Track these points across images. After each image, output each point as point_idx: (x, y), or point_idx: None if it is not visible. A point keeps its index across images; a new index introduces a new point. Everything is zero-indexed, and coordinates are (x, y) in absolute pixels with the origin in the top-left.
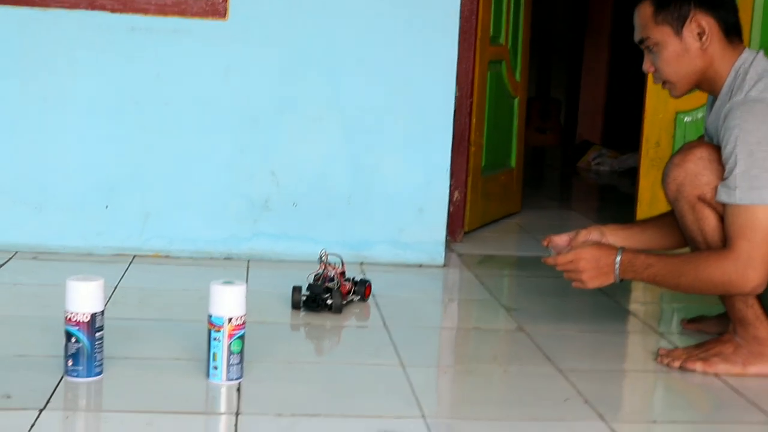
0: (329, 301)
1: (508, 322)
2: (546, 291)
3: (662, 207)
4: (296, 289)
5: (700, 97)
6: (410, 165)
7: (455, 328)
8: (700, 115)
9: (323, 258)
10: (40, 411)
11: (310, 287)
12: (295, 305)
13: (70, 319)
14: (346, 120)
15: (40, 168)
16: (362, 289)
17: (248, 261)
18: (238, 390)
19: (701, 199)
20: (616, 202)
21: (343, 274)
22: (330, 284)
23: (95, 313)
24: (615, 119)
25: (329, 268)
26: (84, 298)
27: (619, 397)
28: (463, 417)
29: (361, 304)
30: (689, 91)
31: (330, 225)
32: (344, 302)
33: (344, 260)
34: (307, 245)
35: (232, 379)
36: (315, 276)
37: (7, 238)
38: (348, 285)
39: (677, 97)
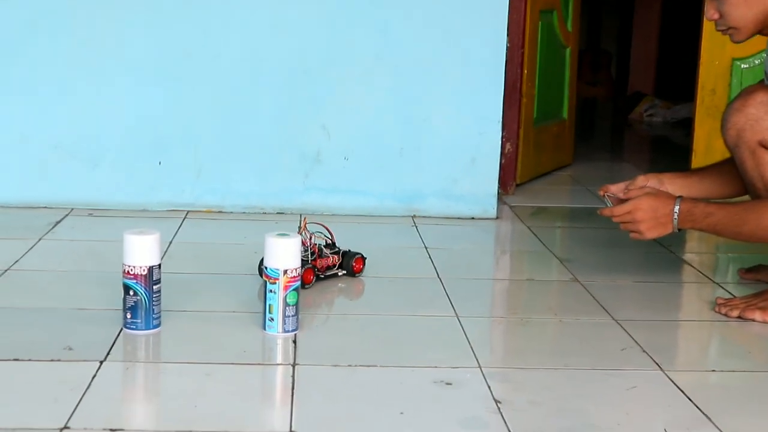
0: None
1: (562, 274)
2: (600, 242)
3: (718, 157)
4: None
5: (756, 43)
6: (461, 117)
7: (509, 280)
8: (757, 61)
9: (302, 227)
10: (101, 362)
11: None
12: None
13: (127, 272)
14: (397, 72)
15: (93, 125)
16: (350, 262)
17: (300, 215)
18: (294, 341)
19: (762, 144)
20: (669, 153)
21: (330, 245)
22: (304, 256)
23: (152, 266)
24: (667, 69)
25: (308, 238)
26: (141, 251)
27: (677, 346)
28: (519, 366)
29: (347, 280)
30: (752, 35)
31: (381, 178)
32: (322, 276)
33: (330, 230)
34: (359, 199)
35: (288, 331)
36: None
37: (62, 196)
38: (332, 258)
39: (739, 42)
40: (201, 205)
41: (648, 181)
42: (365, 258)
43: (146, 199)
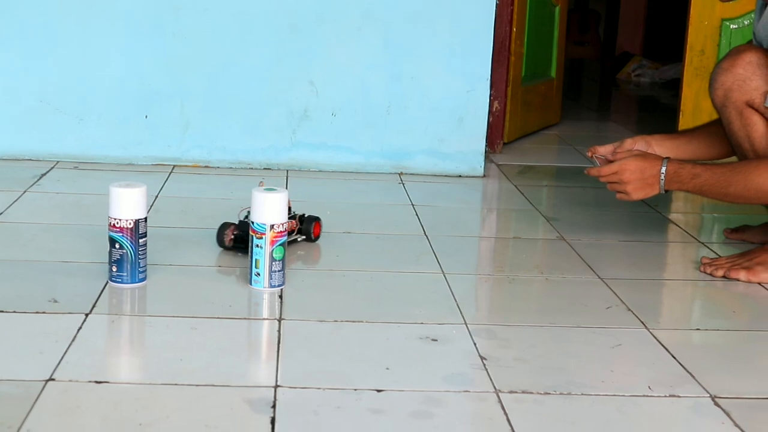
0: None
1: (548, 232)
2: (586, 201)
3: (705, 117)
4: (225, 226)
5: (746, 4)
6: (450, 74)
7: (495, 238)
8: (746, 22)
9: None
10: (86, 315)
11: (240, 225)
12: (222, 244)
13: (113, 225)
14: (385, 29)
15: (80, 79)
16: (309, 227)
17: (287, 171)
18: (280, 297)
19: (749, 104)
20: (656, 114)
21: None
22: None
23: (138, 220)
24: (655, 30)
25: None
26: (127, 204)
27: (661, 305)
28: (504, 323)
29: (307, 246)
30: None
31: (369, 135)
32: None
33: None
34: (346, 155)
35: (274, 286)
36: (248, 212)
37: (48, 148)
38: (292, 223)
39: (728, 1)
40: (187, 159)
41: (635, 144)
42: (321, 222)
43: (132, 153)
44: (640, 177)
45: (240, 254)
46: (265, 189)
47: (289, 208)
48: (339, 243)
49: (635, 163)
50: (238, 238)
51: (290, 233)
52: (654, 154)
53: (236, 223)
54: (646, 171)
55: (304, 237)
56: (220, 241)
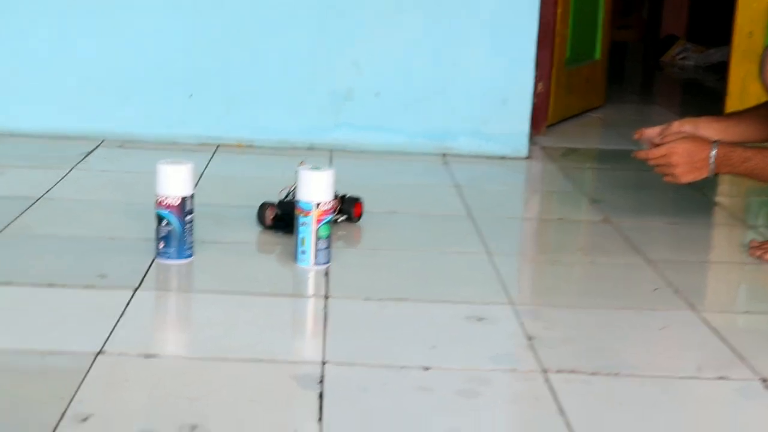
0: None
1: (592, 214)
2: (630, 184)
3: (752, 101)
4: (265, 207)
5: None
6: (494, 55)
7: (540, 219)
8: None
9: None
10: (134, 290)
11: (281, 204)
12: (263, 224)
13: (160, 202)
14: (430, 9)
15: (126, 58)
16: (350, 207)
17: (331, 151)
18: (326, 274)
19: None
20: (701, 97)
21: None
22: None
23: (185, 197)
24: (700, 13)
25: None
26: (175, 181)
27: (710, 288)
28: (551, 304)
29: (348, 226)
30: None
31: (412, 115)
32: None
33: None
34: (390, 136)
35: (319, 264)
36: (288, 192)
37: (94, 127)
38: (333, 203)
39: None
40: (231, 139)
41: (683, 126)
42: (363, 202)
43: (177, 131)
44: (689, 160)
45: (281, 234)
46: (311, 167)
47: None
48: (383, 223)
49: (684, 146)
50: (278, 218)
51: (332, 212)
52: (702, 137)
53: (276, 203)
54: (696, 154)
55: (345, 217)
56: (261, 220)
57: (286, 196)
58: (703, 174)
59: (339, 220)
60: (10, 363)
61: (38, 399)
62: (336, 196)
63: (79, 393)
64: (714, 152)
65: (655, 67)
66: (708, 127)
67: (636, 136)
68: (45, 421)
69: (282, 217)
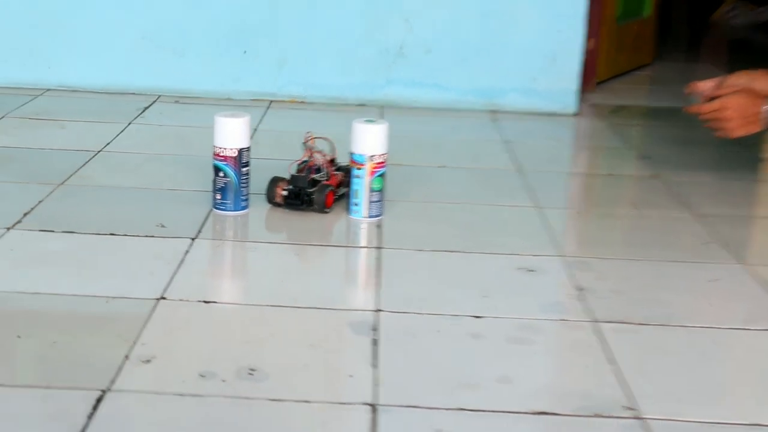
0: (315, 197)
1: (642, 169)
2: (680, 140)
3: None
4: (275, 182)
5: None
6: (544, 12)
7: (589, 174)
8: None
9: (308, 143)
10: (193, 240)
11: (293, 179)
12: (272, 200)
13: (218, 154)
14: None
15: (180, 14)
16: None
17: (382, 107)
18: (379, 226)
19: None
20: (752, 55)
21: (332, 161)
22: (317, 176)
23: (242, 149)
24: None
25: (317, 156)
26: (232, 133)
27: (760, 242)
28: (600, 256)
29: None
30: None
31: (462, 72)
32: (336, 196)
33: (334, 145)
34: (440, 93)
35: (372, 216)
36: (299, 165)
37: (150, 83)
38: (338, 176)
39: None
40: (284, 95)
41: (739, 79)
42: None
43: (231, 87)
44: (742, 114)
45: (296, 210)
46: (365, 120)
47: (333, 160)
48: (433, 177)
49: (737, 100)
50: (291, 195)
51: (338, 186)
52: (756, 91)
53: (287, 178)
54: (749, 109)
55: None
56: (270, 197)
57: (299, 170)
58: (756, 128)
59: (341, 192)
60: (76, 307)
61: (103, 342)
62: (340, 169)
63: (142, 336)
64: (766, 107)
65: (705, 25)
66: (764, 80)
67: (688, 90)
68: (110, 362)
69: (295, 194)
